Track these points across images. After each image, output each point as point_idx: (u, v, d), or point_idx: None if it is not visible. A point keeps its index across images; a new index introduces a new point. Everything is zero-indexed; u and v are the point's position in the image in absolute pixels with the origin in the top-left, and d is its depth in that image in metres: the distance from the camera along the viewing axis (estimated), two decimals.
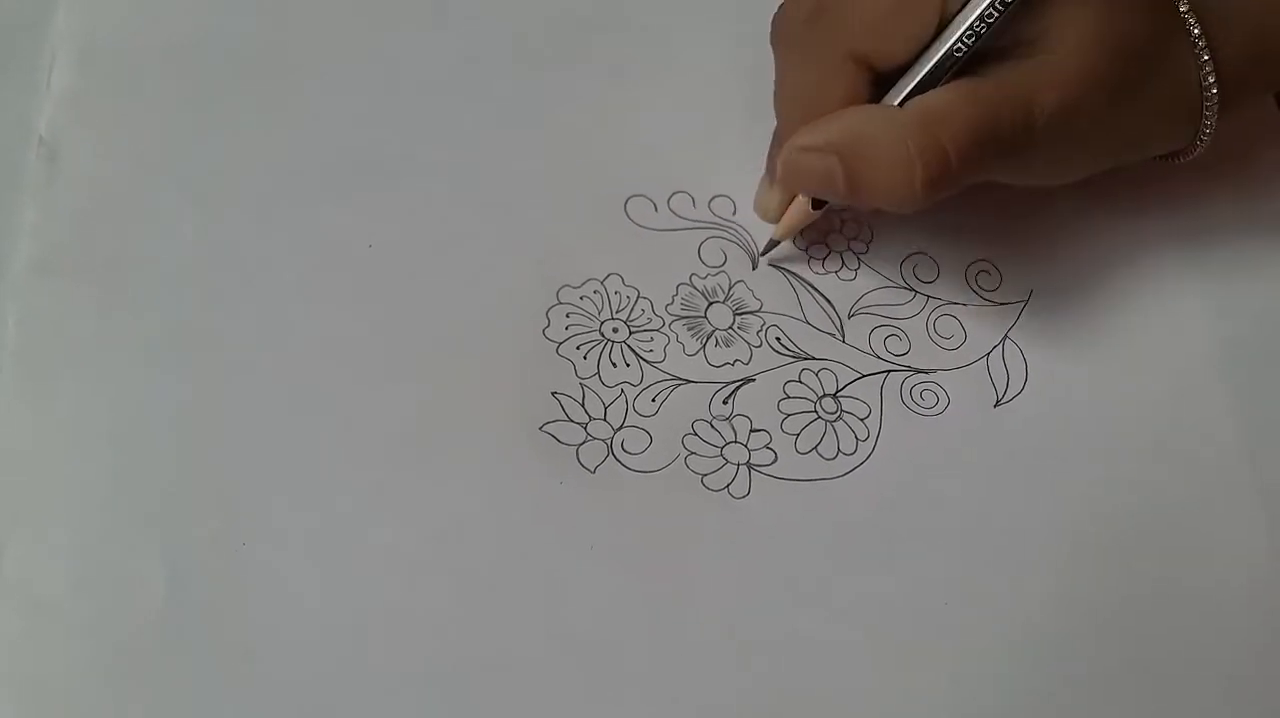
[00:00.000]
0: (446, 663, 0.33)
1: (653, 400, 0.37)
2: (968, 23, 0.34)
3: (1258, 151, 0.43)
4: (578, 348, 0.37)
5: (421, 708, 0.32)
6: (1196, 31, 0.36)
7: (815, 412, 0.37)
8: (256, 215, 0.37)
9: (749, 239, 0.40)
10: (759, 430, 0.37)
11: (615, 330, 0.38)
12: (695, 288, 0.39)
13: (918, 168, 0.34)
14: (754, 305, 0.39)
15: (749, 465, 0.36)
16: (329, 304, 0.36)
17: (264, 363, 0.35)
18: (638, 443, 0.36)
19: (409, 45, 0.41)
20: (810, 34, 0.36)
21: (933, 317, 0.39)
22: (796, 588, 0.35)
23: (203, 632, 0.32)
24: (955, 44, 0.35)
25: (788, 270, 0.39)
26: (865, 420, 0.37)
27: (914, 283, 0.40)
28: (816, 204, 0.38)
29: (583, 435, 0.36)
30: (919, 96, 0.35)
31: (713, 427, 0.37)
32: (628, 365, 0.37)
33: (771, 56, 0.38)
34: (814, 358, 0.38)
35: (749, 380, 0.38)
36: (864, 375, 0.38)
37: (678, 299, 0.38)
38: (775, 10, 0.38)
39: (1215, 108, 0.37)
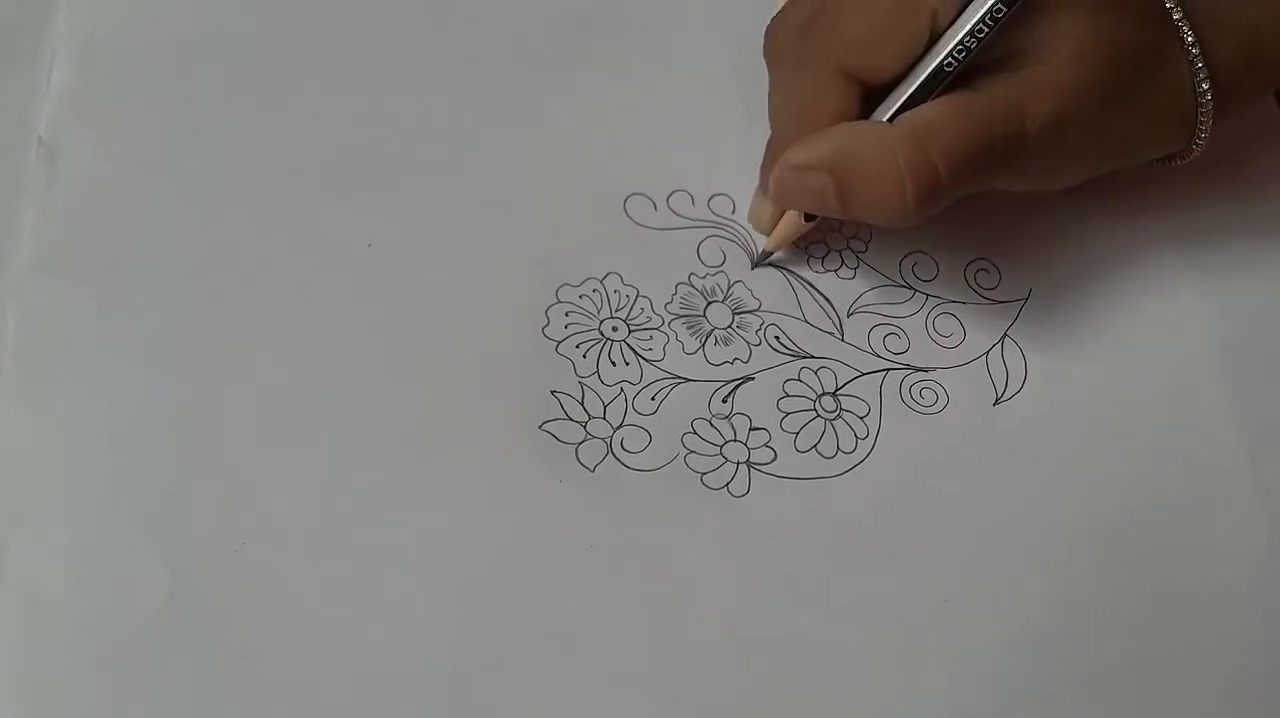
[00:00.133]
0: (446, 662, 0.33)
1: (652, 399, 0.37)
2: (958, 38, 0.34)
3: (1257, 151, 0.43)
4: (577, 347, 0.37)
5: (421, 707, 0.32)
6: (1190, 39, 0.36)
7: (814, 410, 0.37)
8: (256, 215, 0.37)
9: (748, 238, 0.40)
10: (758, 429, 0.37)
11: (614, 329, 0.38)
12: (694, 287, 0.39)
13: (908, 184, 0.34)
14: (753, 304, 0.39)
15: (748, 464, 0.36)
16: (329, 304, 0.36)
17: (264, 362, 0.35)
18: (637, 442, 0.36)
19: (409, 45, 0.41)
20: (801, 47, 0.36)
21: (932, 315, 0.39)
22: (796, 587, 0.35)
23: (203, 631, 0.32)
24: (946, 59, 0.35)
25: (787, 269, 0.40)
26: (864, 419, 0.37)
27: (913, 282, 0.40)
28: (809, 216, 0.38)
29: (582, 434, 0.36)
30: (909, 112, 0.35)
31: (712, 425, 0.37)
32: (627, 364, 0.37)
33: None
34: (813, 356, 0.38)
35: (748, 379, 0.38)
36: (863, 374, 0.38)
37: (677, 298, 0.38)
38: (771, 18, 0.38)
39: (1210, 112, 0.37)
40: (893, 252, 0.40)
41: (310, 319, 0.36)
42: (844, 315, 0.39)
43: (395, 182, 0.39)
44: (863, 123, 0.36)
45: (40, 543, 0.32)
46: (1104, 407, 0.39)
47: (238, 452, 0.34)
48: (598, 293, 0.38)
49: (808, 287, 0.39)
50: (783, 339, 0.38)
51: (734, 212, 0.40)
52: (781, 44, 0.37)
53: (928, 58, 0.35)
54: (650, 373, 0.37)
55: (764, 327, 0.38)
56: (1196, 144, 0.38)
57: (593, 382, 0.37)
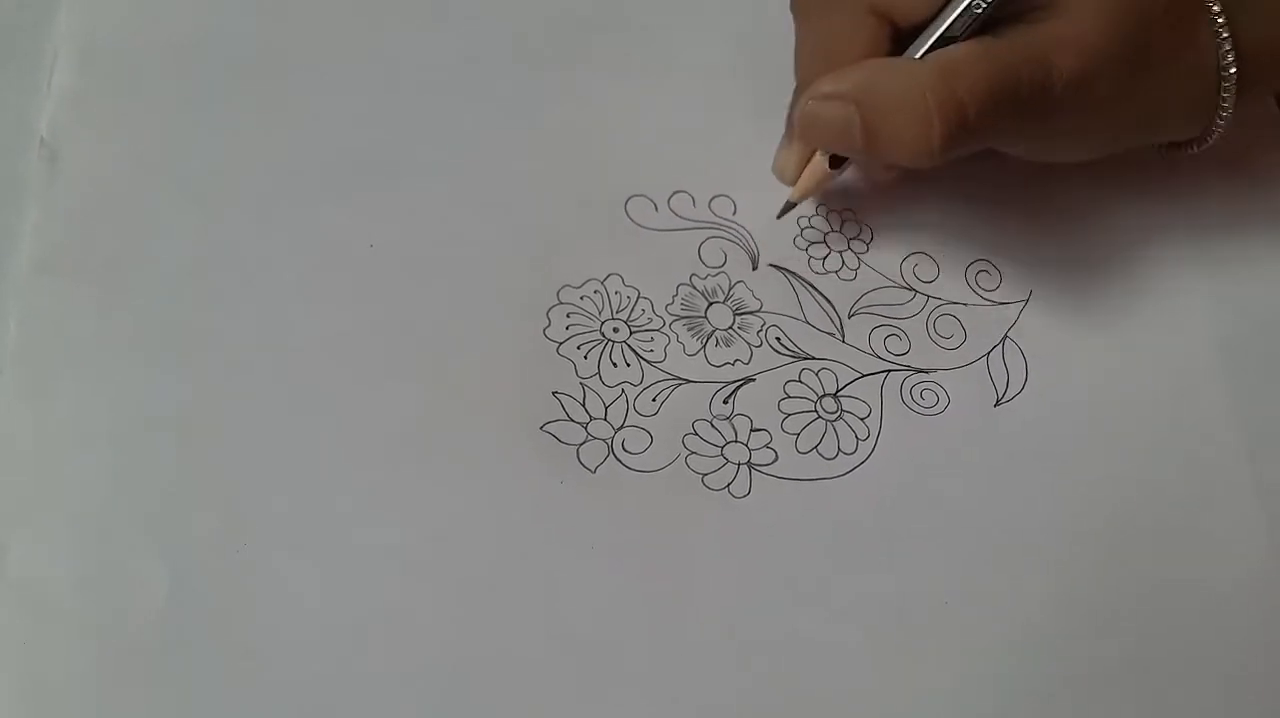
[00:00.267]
0: (447, 663, 0.33)
1: (653, 400, 0.37)
2: None
3: (1258, 151, 0.43)
4: (578, 348, 0.37)
5: (422, 708, 0.32)
6: (1216, 9, 0.36)
7: (815, 411, 0.37)
8: (257, 215, 0.37)
9: (749, 239, 0.40)
10: (759, 430, 0.37)
11: (616, 330, 0.38)
12: (695, 288, 0.39)
13: (935, 121, 0.34)
14: (754, 305, 0.39)
15: (749, 465, 0.36)
16: (329, 304, 0.36)
17: (264, 363, 0.35)
18: (638, 443, 0.36)
19: (409, 45, 0.41)
20: None
21: (933, 316, 0.39)
22: (797, 587, 0.35)
23: (204, 631, 0.32)
24: (976, 0, 0.34)
25: (788, 270, 0.40)
26: (865, 420, 0.37)
27: (914, 283, 0.40)
28: (834, 163, 0.37)
29: (583, 435, 0.36)
30: (938, 51, 0.35)
31: (713, 426, 0.37)
32: (628, 365, 0.37)
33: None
34: (814, 358, 0.38)
35: (749, 380, 0.38)
36: (864, 375, 0.38)
37: (678, 299, 0.38)
38: (786, 6, 0.38)
39: (1234, 90, 0.37)
40: (893, 253, 0.40)
41: (311, 319, 0.36)
42: (845, 316, 0.39)
43: (395, 182, 0.39)
44: (892, 59, 0.36)
45: (41, 543, 0.32)
46: (1104, 407, 0.39)
47: (238, 452, 0.34)
48: (599, 294, 0.38)
49: (809, 288, 0.39)
50: (784, 340, 0.38)
51: (735, 213, 0.40)
52: None
53: None
54: (651, 374, 0.37)
55: (765, 328, 0.38)
56: (1217, 125, 0.38)
57: (594, 383, 0.37)
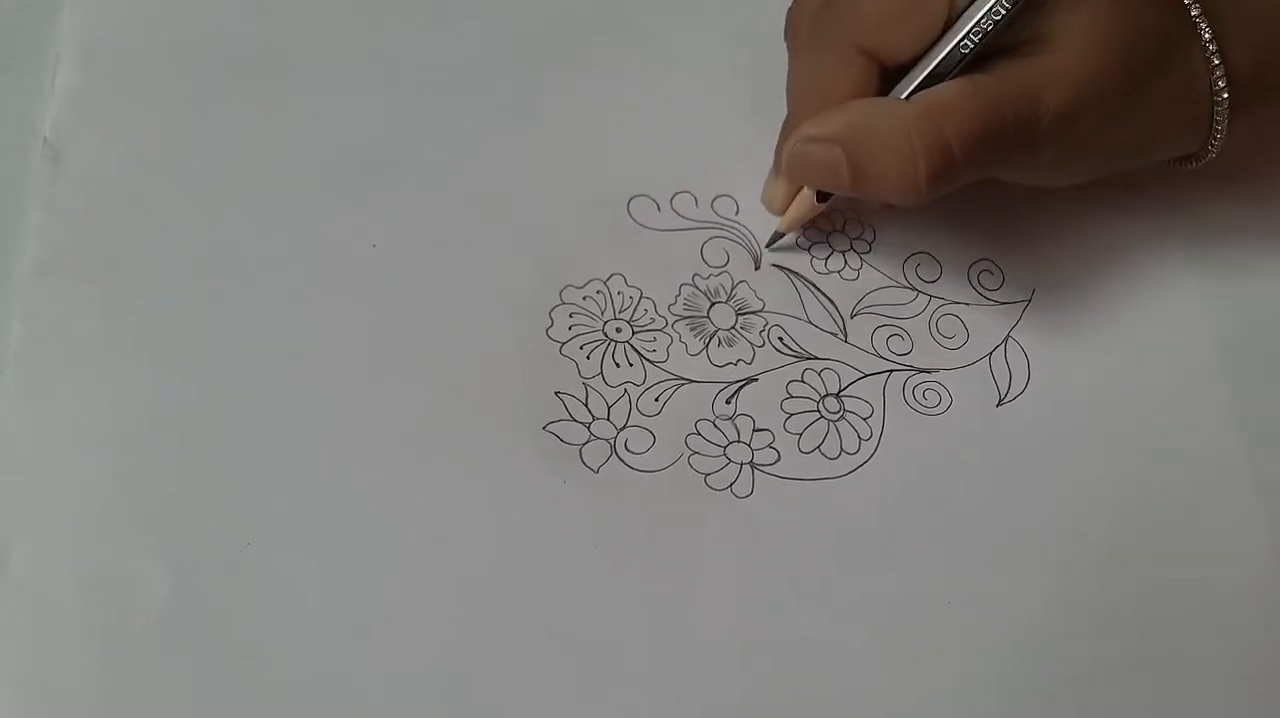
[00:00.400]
0: (450, 663, 0.33)
1: (656, 400, 0.37)
2: (976, 19, 0.34)
3: (1260, 152, 0.43)
4: (581, 348, 0.37)
5: (425, 708, 0.32)
6: (1208, 35, 0.36)
7: (818, 411, 0.37)
8: (259, 215, 0.37)
9: (751, 239, 0.40)
10: (762, 430, 0.37)
11: (618, 330, 0.38)
12: (698, 288, 0.39)
13: (921, 161, 0.34)
14: (756, 305, 0.39)
15: (752, 465, 0.36)
16: (331, 304, 0.36)
17: (266, 363, 0.35)
18: (641, 443, 0.36)
19: (409, 45, 0.41)
20: (820, 26, 0.36)
21: (935, 316, 0.39)
22: (799, 587, 0.35)
23: (206, 631, 0.32)
24: (963, 40, 0.35)
25: (790, 270, 0.40)
26: (868, 420, 0.37)
27: (916, 282, 0.40)
28: (821, 196, 0.38)
29: (586, 435, 0.36)
30: (925, 90, 0.35)
31: (716, 426, 0.37)
32: (631, 365, 0.37)
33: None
34: (817, 358, 0.38)
35: (752, 380, 0.38)
36: (866, 375, 0.38)
37: (680, 299, 0.38)
38: (786, 5, 0.38)
39: (1226, 112, 0.37)
40: (896, 253, 0.40)
41: (313, 319, 0.36)
42: (847, 316, 0.39)
43: (397, 182, 0.39)
44: (879, 99, 0.36)
45: (43, 543, 0.32)
46: (1106, 407, 0.39)
47: (240, 452, 0.34)
48: (601, 294, 0.38)
49: (811, 288, 0.39)
50: (786, 340, 0.38)
51: (737, 213, 0.40)
52: (801, 24, 0.37)
53: (945, 38, 0.35)
54: (654, 374, 0.37)
55: (767, 328, 0.38)
56: (1212, 145, 0.38)
57: (596, 383, 0.37)
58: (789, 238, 0.40)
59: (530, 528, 0.34)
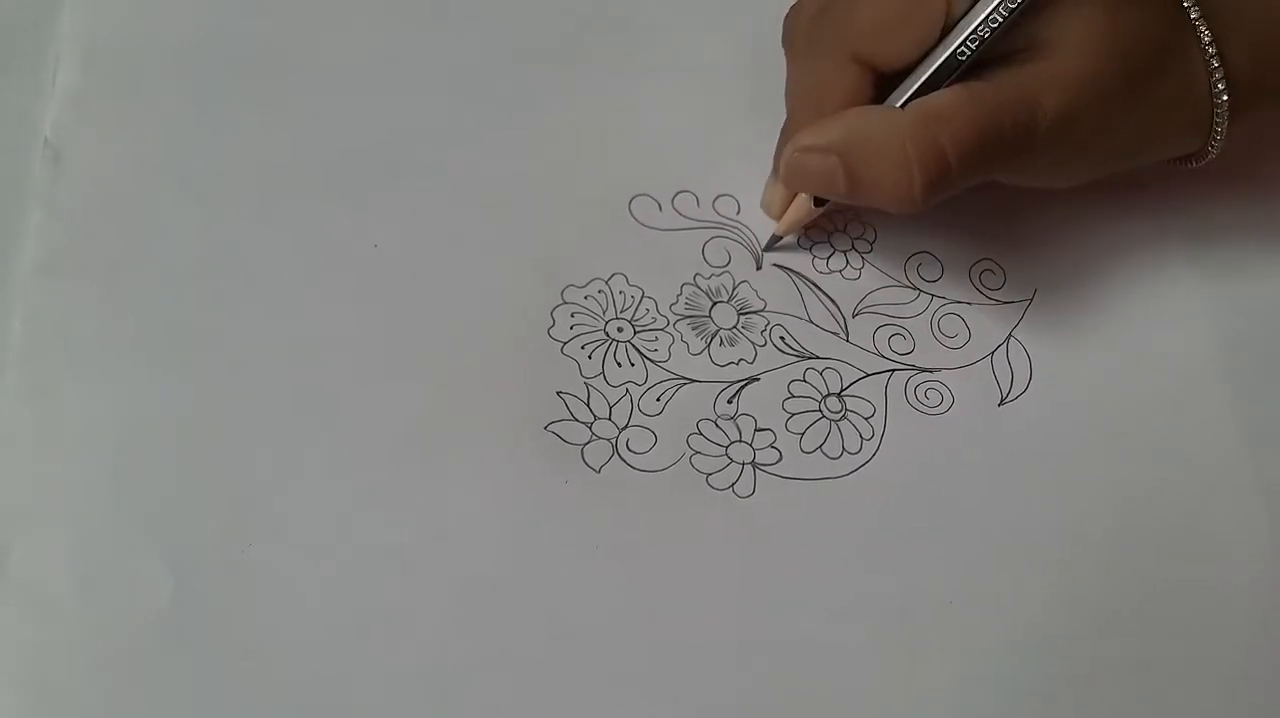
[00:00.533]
0: (450, 662, 0.33)
1: (657, 400, 0.37)
2: (972, 26, 0.34)
3: (1260, 151, 0.43)
4: (582, 347, 0.37)
5: (425, 708, 0.32)
6: (1208, 38, 0.36)
7: (820, 411, 0.37)
8: (259, 215, 0.37)
9: (753, 239, 0.40)
10: (764, 430, 0.37)
11: (620, 330, 0.38)
12: (699, 287, 0.39)
13: (916, 171, 0.34)
14: (758, 305, 0.39)
15: (754, 465, 0.36)
16: (332, 304, 0.36)
17: (267, 363, 0.35)
18: (643, 442, 0.36)
19: (409, 45, 0.41)
20: (816, 33, 0.36)
21: (937, 316, 0.39)
22: (800, 587, 0.35)
23: (206, 632, 0.32)
24: (959, 47, 0.35)
25: (792, 270, 0.40)
26: (870, 419, 0.37)
27: (918, 282, 0.40)
28: (818, 201, 0.38)
29: (588, 435, 0.36)
30: (921, 98, 0.35)
31: (717, 426, 0.37)
32: (632, 365, 0.37)
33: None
34: (818, 357, 0.38)
35: (753, 380, 0.38)
36: (868, 375, 0.38)
37: (682, 299, 0.38)
38: (786, 6, 0.38)
39: (1226, 114, 0.37)
40: (897, 252, 0.40)
41: (313, 319, 0.36)
42: (849, 316, 0.39)
43: (397, 182, 0.39)
44: (874, 107, 0.36)
45: (43, 543, 0.32)
46: (1108, 407, 0.39)
47: (240, 452, 0.34)
48: (603, 294, 0.38)
49: (813, 287, 0.39)
50: (788, 340, 0.38)
51: (739, 212, 0.40)
52: (797, 30, 0.37)
53: (941, 46, 0.35)
54: (655, 374, 0.37)
55: (769, 327, 0.38)
56: (1211, 146, 0.38)
57: (598, 382, 0.37)
58: (788, 239, 0.40)
59: (531, 528, 0.34)
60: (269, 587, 0.33)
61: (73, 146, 0.37)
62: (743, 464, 0.36)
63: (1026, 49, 0.35)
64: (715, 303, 0.39)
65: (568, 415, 0.36)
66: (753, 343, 0.38)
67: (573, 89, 0.41)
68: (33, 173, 0.37)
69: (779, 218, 0.39)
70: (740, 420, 0.37)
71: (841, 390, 0.38)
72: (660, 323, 0.38)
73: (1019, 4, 0.34)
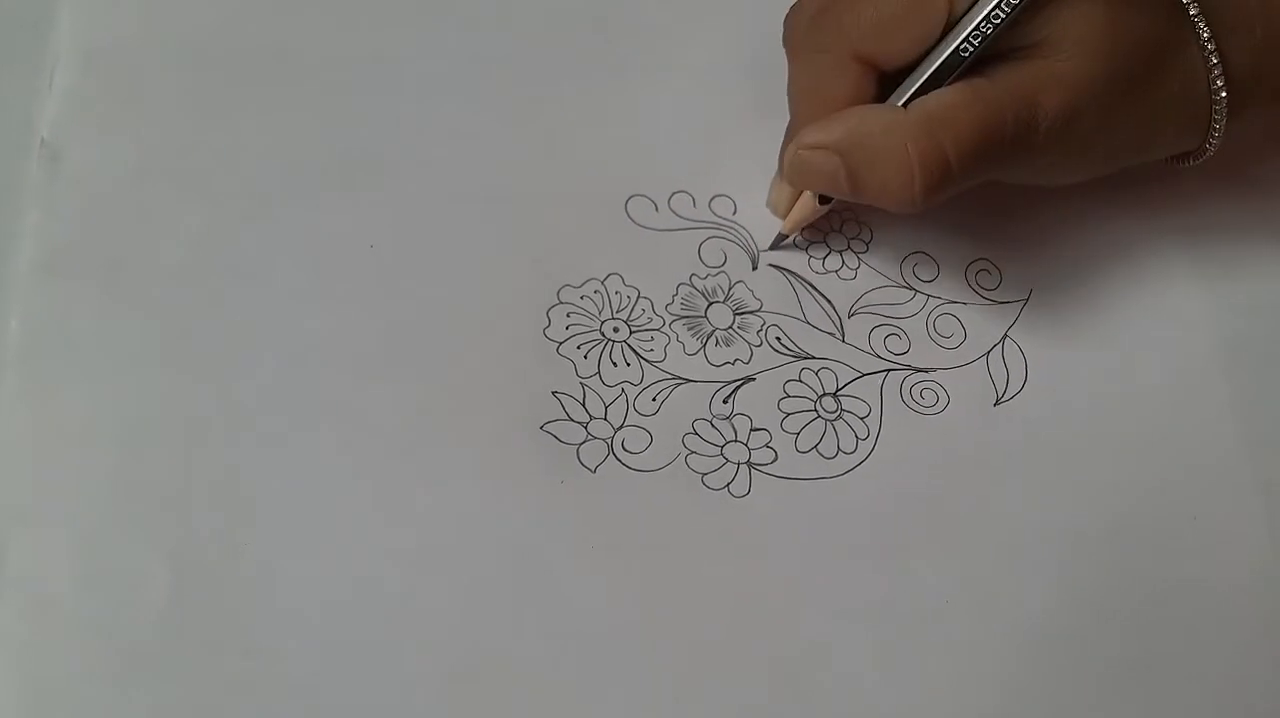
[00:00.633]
0: (447, 662, 0.33)
1: (653, 400, 0.37)
2: (974, 24, 0.34)
3: (1259, 152, 0.43)
4: (578, 347, 0.37)
5: (424, 707, 0.32)
6: (1206, 35, 0.36)
7: (815, 411, 0.37)
8: (257, 215, 0.37)
9: (749, 239, 0.40)
10: (759, 429, 0.37)
11: (616, 330, 0.38)
12: (695, 288, 0.39)
13: (917, 171, 0.34)
14: (754, 305, 0.39)
15: (749, 464, 0.36)
16: (330, 304, 0.37)
17: (266, 363, 0.35)
18: (638, 442, 0.36)
19: (409, 45, 0.41)
20: (817, 32, 0.36)
21: (933, 316, 0.39)
22: (797, 587, 0.35)
23: (205, 632, 0.32)
24: (961, 45, 0.35)
25: (788, 270, 0.40)
26: (865, 419, 0.37)
27: (914, 282, 0.40)
28: (823, 199, 0.38)
29: (583, 435, 0.36)
30: (923, 98, 0.35)
31: (713, 426, 0.37)
32: (628, 365, 0.37)
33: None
34: (814, 357, 0.38)
35: (749, 380, 0.38)
36: (864, 374, 0.38)
37: (678, 299, 0.38)
38: (786, 6, 0.38)
39: (1224, 111, 0.37)
40: (893, 252, 0.40)
41: (312, 319, 0.36)
42: (845, 316, 0.39)
43: (396, 182, 0.39)
44: (876, 107, 0.36)
45: (42, 543, 0.32)
46: (1105, 406, 0.39)
47: (240, 452, 0.34)
48: (599, 294, 0.38)
49: (809, 287, 0.39)
50: (784, 340, 0.38)
51: (735, 213, 0.40)
52: (798, 29, 0.37)
53: (943, 44, 0.35)
54: (651, 374, 0.37)
55: (765, 327, 0.38)
56: (1210, 144, 0.38)
57: (594, 382, 0.37)
58: (794, 237, 0.40)
59: (527, 528, 0.34)
60: (268, 586, 0.33)
61: (71, 146, 0.37)
62: (738, 464, 0.36)
63: (1027, 47, 0.35)
64: (711, 303, 0.39)
65: (563, 415, 0.36)
66: (748, 343, 0.38)
67: (571, 89, 0.41)
68: (31, 173, 0.37)
69: (784, 216, 0.39)
70: (736, 420, 0.37)
71: (837, 390, 0.38)
72: (656, 323, 0.38)
73: (1020, 2, 0.34)
